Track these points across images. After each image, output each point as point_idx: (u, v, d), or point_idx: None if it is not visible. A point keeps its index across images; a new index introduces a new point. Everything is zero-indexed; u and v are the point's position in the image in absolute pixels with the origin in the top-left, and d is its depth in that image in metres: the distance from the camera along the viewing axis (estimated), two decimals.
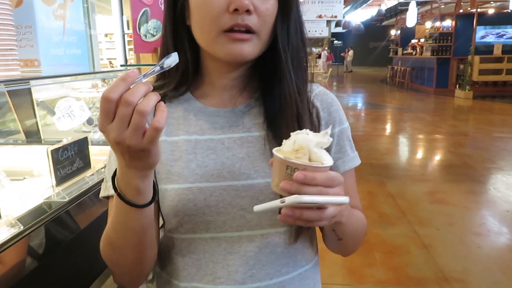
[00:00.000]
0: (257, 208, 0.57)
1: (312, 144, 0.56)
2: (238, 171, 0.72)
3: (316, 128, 0.77)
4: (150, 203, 0.63)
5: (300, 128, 0.71)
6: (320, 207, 0.56)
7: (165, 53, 0.76)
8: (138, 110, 0.50)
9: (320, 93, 0.81)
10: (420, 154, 6.20)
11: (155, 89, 0.79)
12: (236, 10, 0.65)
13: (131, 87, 0.51)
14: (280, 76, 0.72)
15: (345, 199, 0.56)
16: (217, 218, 0.72)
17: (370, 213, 3.70)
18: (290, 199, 0.53)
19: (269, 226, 0.73)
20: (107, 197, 0.76)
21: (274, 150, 0.58)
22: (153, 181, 0.64)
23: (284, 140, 0.59)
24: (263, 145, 0.73)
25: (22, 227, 0.90)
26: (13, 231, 0.88)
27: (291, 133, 0.59)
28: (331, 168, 0.58)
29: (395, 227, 3.44)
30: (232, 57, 0.69)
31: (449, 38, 13.29)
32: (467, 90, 11.44)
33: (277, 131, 0.72)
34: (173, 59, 0.57)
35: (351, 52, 26.43)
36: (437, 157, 5.98)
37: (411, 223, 3.49)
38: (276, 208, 0.55)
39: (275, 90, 0.73)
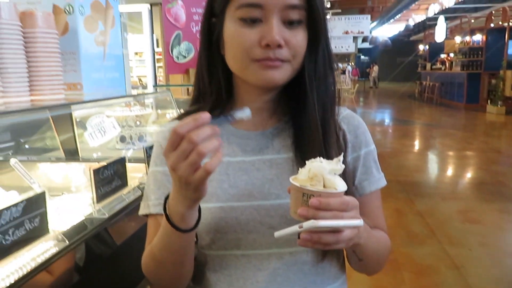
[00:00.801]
0: (277, 234, 0.61)
1: (325, 171, 0.61)
2: (268, 191, 0.76)
3: (342, 150, 0.80)
4: (191, 229, 0.68)
5: (327, 151, 0.75)
6: (337, 230, 0.60)
7: (200, 81, 0.82)
8: (197, 150, 0.55)
9: (347, 116, 0.84)
10: (450, 171, 6.05)
11: (190, 112, 0.85)
12: (267, 45, 0.69)
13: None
14: (306, 102, 0.76)
15: (358, 222, 0.60)
16: (247, 236, 0.76)
17: (399, 232, 3.63)
18: (307, 224, 0.57)
19: (297, 244, 0.76)
20: (146, 215, 0.82)
21: (291, 179, 0.63)
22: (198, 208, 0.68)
23: (299, 169, 0.63)
24: (292, 166, 0.77)
25: (67, 241, 0.97)
26: (60, 245, 0.95)
27: (306, 162, 0.63)
28: (353, 194, 0.61)
29: (424, 247, 3.37)
30: (265, 82, 0.73)
31: (480, 52, 13.01)
32: (499, 106, 11.12)
33: (304, 153, 0.76)
34: (245, 114, 0.64)
35: (376, 68, 26.22)
36: (469, 175, 5.82)
37: (441, 243, 3.40)
38: (295, 233, 0.59)
39: (302, 114, 0.77)
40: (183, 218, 0.66)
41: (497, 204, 4.30)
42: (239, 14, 0.70)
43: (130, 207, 1.26)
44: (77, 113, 2.08)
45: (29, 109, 1.23)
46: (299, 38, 0.71)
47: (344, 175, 0.78)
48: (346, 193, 0.77)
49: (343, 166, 0.62)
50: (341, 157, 0.63)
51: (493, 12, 12.40)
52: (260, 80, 0.72)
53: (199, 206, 0.68)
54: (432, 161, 6.77)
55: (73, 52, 1.46)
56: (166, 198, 0.67)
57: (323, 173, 0.60)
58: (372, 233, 0.77)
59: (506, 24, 11.44)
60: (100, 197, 1.16)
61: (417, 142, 8.41)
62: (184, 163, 0.57)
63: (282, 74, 0.72)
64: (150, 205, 0.80)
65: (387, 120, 11.88)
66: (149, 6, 4.07)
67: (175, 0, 2.36)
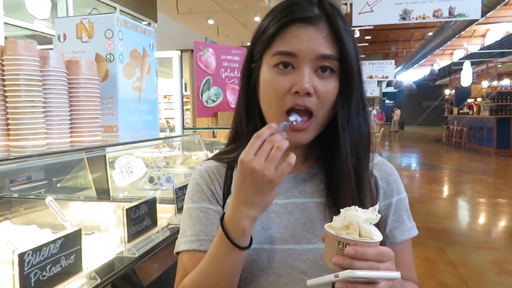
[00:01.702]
0: (310, 282, 0.61)
1: (361, 220, 0.61)
2: (300, 235, 0.77)
3: (374, 197, 0.81)
4: (249, 246, 0.69)
5: (360, 198, 0.76)
6: (372, 281, 0.59)
7: (237, 121, 0.86)
8: (276, 145, 0.65)
9: (379, 163, 0.85)
10: (482, 219, 5.81)
11: (226, 153, 0.88)
12: (297, 92, 0.72)
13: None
14: (339, 151, 0.78)
15: (396, 274, 0.59)
16: (278, 280, 0.76)
17: (429, 283, 3.47)
18: (343, 274, 0.56)
19: None
20: (177, 253, 0.83)
21: (326, 226, 0.63)
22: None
23: (334, 216, 0.64)
24: (323, 211, 0.78)
25: (99, 279, 0.99)
26: (91, 283, 0.97)
27: (341, 210, 0.64)
28: (384, 243, 0.61)
29: None
30: (292, 144, 0.75)
31: (509, 97, 12.81)
32: None
33: (336, 199, 0.77)
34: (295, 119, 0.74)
35: (398, 112, 25.95)
36: (502, 223, 5.57)
37: None
38: (330, 282, 0.59)
39: (335, 162, 0.79)
40: (244, 232, 0.68)
41: None
42: (274, 61, 0.74)
43: (159, 247, 1.28)
44: (111, 154, 2.16)
45: (66, 150, 1.30)
46: (329, 87, 0.74)
47: (376, 224, 0.78)
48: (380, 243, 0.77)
49: (379, 215, 0.62)
50: (377, 207, 0.63)
51: None
52: (288, 140, 0.75)
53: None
54: (463, 208, 6.53)
55: (111, 97, 1.55)
56: (222, 217, 0.70)
57: (358, 222, 0.61)
58: (405, 285, 0.75)
59: None
60: (131, 236, 1.18)
61: (446, 188, 8.17)
62: (266, 161, 0.64)
63: (308, 135, 0.76)
64: (187, 241, 0.81)
65: (414, 165, 11.64)
66: (179, 52, 4.29)
67: (206, 48, 2.49)
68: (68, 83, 1.37)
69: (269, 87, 0.76)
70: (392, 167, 0.87)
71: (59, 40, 1.63)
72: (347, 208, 0.64)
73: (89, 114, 1.42)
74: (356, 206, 0.64)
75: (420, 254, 4.01)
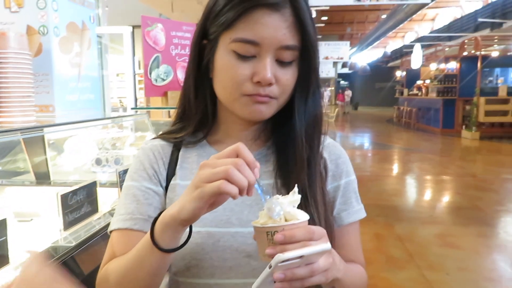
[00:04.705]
0: (254, 285, 0.58)
1: (284, 205, 0.59)
2: (246, 218, 0.75)
3: (323, 180, 0.80)
4: (176, 249, 0.65)
5: (309, 180, 0.74)
6: (309, 262, 0.57)
7: (186, 100, 0.81)
8: (240, 170, 0.58)
9: (329, 145, 0.84)
10: (428, 196, 6.12)
11: (173, 132, 0.83)
12: (259, 82, 0.69)
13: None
14: (293, 135, 0.76)
15: (325, 245, 0.57)
16: (223, 264, 0.73)
17: (378, 257, 3.62)
18: (273, 261, 0.54)
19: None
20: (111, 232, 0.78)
21: (252, 223, 0.61)
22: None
23: (260, 212, 0.61)
24: (272, 193, 0.75)
25: None
26: None
27: (265, 203, 0.61)
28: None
29: (403, 271, 3.35)
30: (252, 117, 0.74)
31: (454, 79, 13.45)
32: (473, 131, 11.44)
33: (286, 181, 0.75)
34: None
35: (349, 92, 25.71)
36: (446, 199, 5.91)
37: (420, 268, 3.40)
38: (268, 276, 0.56)
39: (287, 145, 0.77)
40: (175, 238, 0.64)
41: (474, 229, 4.35)
42: (234, 47, 0.70)
43: (100, 234, 1.21)
44: (51, 136, 2.03)
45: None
46: (289, 76, 0.72)
47: (324, 205, 0.77)
48: (326, 223, 0.75)
49: (299, 196, 0.61)
50: (296, 189, 0.62)
51: (466, 41, 12.90)
52: (247, 113, 0.73)
53: (191, 229, 0.66)
54: (411, 185, 6.85)
55: (46, 74, 1.43)
56: (157, 216, 0.65)
57: (282, 207, 0.59)
58: (350, 267, 0.75)
59: (478, 53, 11.89)
60: (68, 224, 1.11)
61: (396, 166, 8.52)
62: (223, 168, 0.57)
63: (269, 109, 0.73)
64: (120, 219, 0.76)
65: (366, 144, 12.04)
66: (131, 28, 4.08)
67: (155, 23, 2.36)
68: None
69: (227, 73, 0.72)
70: (341, 149, 0.86)
71: None
72: (268, 199, 0.61)
73: (19, 93, 1.30)
74: (278, 195, 0.62)
75: (370, 230, 4.17)
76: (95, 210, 1.23)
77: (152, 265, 0.66)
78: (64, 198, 1.08)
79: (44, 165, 1.93)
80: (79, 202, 1.14)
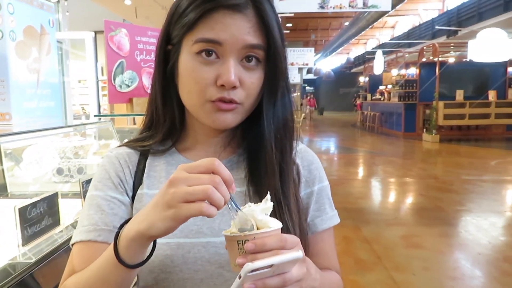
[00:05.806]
0: None
1: (256, 213, 0.57)
2: (218, 227, 0.72)
3: (297, 186, 0.78)
4: (140, 264, 0.61)
5: (282, 187, 0.73)
6: (281, 272, 0.55)
7: (153, 107, 0.78)
8: (213, 188, 0.54)
9: (301, 151, 0.83)
10: (393, 198, 6.29)
11: (140, 140, 0.80)
12: (223, 85, 0.67)
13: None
14: (262, 141, 0.74)
15: (297, 253, 0.54)
16: (194, 276, 0.70)
17: (347, 259, 3.66)
18: (243, 271, 0.51)
19: None
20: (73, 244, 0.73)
21: (223, 232, 0.58)
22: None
23: (232, 221, 0.59)
24: (244, 201, 0.73)
25: None
26: None
27: (237, 212, 0.59)
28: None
29: (372, 273, 3.41)
30: (216, 125, 0.71)
31: (415, 84, 13.96)
32: (433, 134, 11.89)
33: (258, 189, 0.73)
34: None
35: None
36: (410, 200, 6.08)
37: (387, 269, 3.47)
38: (239, 287, 0.53)
39: (258, 151, 0.75)
40: (142, 253, 0.60)
41: (437, 229, 4.50)
42: (196, 48, 0.68)
43: (63, 248, 1.15)
44: (8, 145, 1.92)
45: None
46: (254, 78, 0.70)
47: (298, 212, 0.75)
48: (300, 231, 0.74)
49: (271, 203, 0.59)
50: (268, 197, 0.60)
51: (425, 48, 13.43)
52: (211, 122, 0.70)
53: (155, 242, 0.62)
54: (376, 188, 7.01)
55: (1, 80, 1.35)
56: (120, 227, 0.61)
57: (254, 215, 0.57)
58: (326, 276, 0.73)
59: (436, 59, 12.41)
60: (27, 239, 1.04)
61: (361, 170, 8.71)
62: (202, 188, 0.53)
63: (234, 117, 0.71)
64: (83, 231, 0.71)
65: (332, 148, 12.25)
66: (93, 33, 3.96)
67: (118, 28, 2.30)
68: None
69: (190, 77, 0.69)
70: (314, 154, 0.85)
71: None
72: (239, 211, 0.59)
73: None
74: (250, 203, 0.60)
75: (339, 234, 4.22)
76: (56, 223, 1.17)
77: (116, 281, 0.62)
78: (23, 211, 1.02)
79: (0, 176, 1.83)
80: (39, 215, 1.08)
